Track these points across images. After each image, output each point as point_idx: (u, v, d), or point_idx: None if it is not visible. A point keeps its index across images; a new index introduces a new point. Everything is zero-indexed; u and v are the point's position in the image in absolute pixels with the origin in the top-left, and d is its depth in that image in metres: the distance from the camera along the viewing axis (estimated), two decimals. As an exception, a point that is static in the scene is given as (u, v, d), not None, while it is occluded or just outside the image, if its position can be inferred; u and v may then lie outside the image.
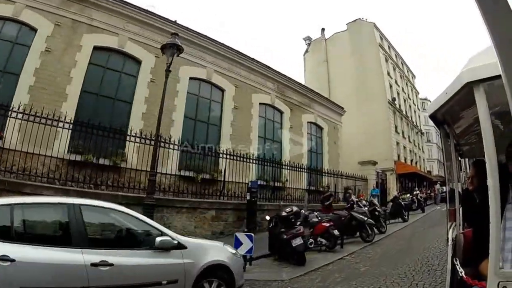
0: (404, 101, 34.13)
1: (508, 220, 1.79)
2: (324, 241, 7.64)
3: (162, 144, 9.38)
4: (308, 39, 38.83)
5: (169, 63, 7.84)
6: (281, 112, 17.16)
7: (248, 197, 10.75)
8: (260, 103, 15.95)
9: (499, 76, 1.24)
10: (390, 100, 28.25)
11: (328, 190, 13.08)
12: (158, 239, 3.59)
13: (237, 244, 6.30)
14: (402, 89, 34.25)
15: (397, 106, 30.26)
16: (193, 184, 10.77)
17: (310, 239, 7.04)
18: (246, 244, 6.26)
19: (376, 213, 10.41)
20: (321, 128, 19.64)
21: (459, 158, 3.93)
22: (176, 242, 3.74)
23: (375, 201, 12.96)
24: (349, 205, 9.70)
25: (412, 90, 39.81)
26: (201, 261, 3.88)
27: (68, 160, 8.58)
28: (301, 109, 18.28)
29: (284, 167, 14.77)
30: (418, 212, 17.49)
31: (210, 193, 10.86)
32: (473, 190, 2.70)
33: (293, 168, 14.82)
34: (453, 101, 2.10)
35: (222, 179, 11.60)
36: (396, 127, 28.91)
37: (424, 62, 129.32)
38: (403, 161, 28.94)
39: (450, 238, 2.76)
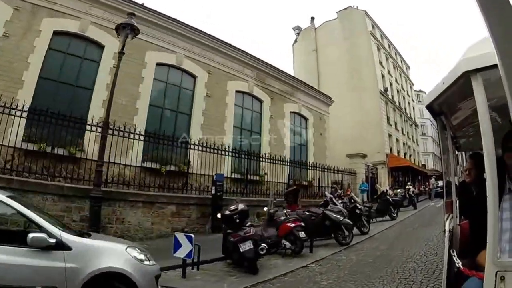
0: (397, 92, 33.18)
1: (504, 211, 1.83)
2: (288, 244, 6.48)
3: (121, 134, 8.94)
4: (297, 28, 37.73)
5: (122, 44, 7.40)
6: (261, 101, 16.05)
7: (213, 191, 9.73)
8: (236, 91, 14.85)
9: (496, 66, 1.32)
10: (382, 90, 27.26)
11: (294, 184, 11.77)
12: (30, 235, 3.06)
13: (177, 246, 5.27)
14: (396, 79, 33.31)
15: (390, 96, 29.28)
16: (159, 177, 10.08)
17: (263, 244, 5.61)
18: (186, 247, 5.21)
19: (357, 211, 9.25)
20: (305, 119, 18.53)
21: (456, 151, 3.90)
22: (53, 241, 3.12)
23: (357, 197, 12.07)
24: (323, 202, 8.47)
25: (406, 81, 38.91)
26: (90, 267, 3.25)
27: (24, 149, 8.01)
28: (283, 98, 17.17)
29: (262, 159, 13.74)
30: (409, 208, 16.45)
31: (179, 187, 10.17)
32: (470, 183, 2.77)
33: (272, 161, 13.78)
34: (451, 91, 2.10)
35: (190, 172, 10.92)
36: (388, 119, 27.96)
37: (415, 54, 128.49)
38: (395, 154, 28.00)
39: (447, 230, 2.77)
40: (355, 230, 8.71)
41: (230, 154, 12.32)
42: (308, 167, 16.39)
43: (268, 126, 15.72)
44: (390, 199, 13.02)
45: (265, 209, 7.40)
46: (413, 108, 40.03)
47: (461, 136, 3.68)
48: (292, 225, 6.46)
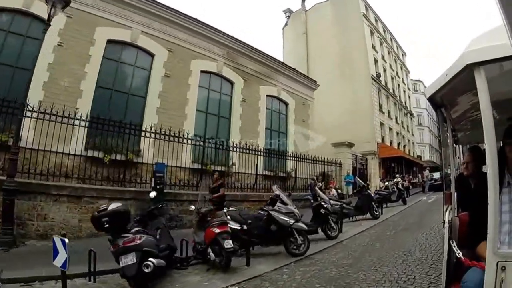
0: (392, 78, 31.68)
1: (504, 204, 1.88)
2: (212, 255, 4.91)
3: (59, 119, 8.09)
4: (288, 11, 36.11)
5: (48, 14, 6.60)
6: (231, 83, 14.54)
7: (152, 184, 8.39)
8: (202, 71, 13.33)
9: (500, 59, 1.62)
10: (374, 76, 25.76)
11: (219, 175, 9.46)
12: None
13: (55, 252, 3.89)
14: (390, 65, 31.80)
15: (383, 83, 27.80)
16: (103, 167, 9.07)
17: (150, 259, 3.92)
18: (62, 254, 3.83)
19: (323, 210, 7.34)
20: (285, 104, 16.99)
21: (454, 144, 3.91)
22: None
23: (324, 194, 10.72)
24: (269, 200, 6.57)
25: (401, 69, 37.41)
26: None
27: None
28: (259, 80, 15.64)
29: (231, 148, 12.43)
30: (398, 204, 14.66)
31: (128, 179, 9.19)
32: (468, 176, 2.93)
33: (243, 150, 12.40)
34: (453, 83, 2.14)
35: (142, 162, 9.92)
36: (380, 106, 26.51)
37: (415, 48, 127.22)
38: (388, 143, 26.60)
39: (446, 221, 2.80)
40: (320, 234, 7.19)
41: (190, 141, 10.95)
42: (287, 157, 14.95)
43: (239, 111, 14.28)
44: (372, 194, 11.25)
45: (192, 207, 5.96)
46: (409, 97, 38.60)
47: (460, 129, 3.72)
48: (217, 230, 4.88)
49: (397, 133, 30.34)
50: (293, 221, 5.64)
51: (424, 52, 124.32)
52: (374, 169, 22.16)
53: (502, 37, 1.47)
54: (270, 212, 5.70)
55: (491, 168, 1.73)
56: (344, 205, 9.36)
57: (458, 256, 2.20)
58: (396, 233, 7.87)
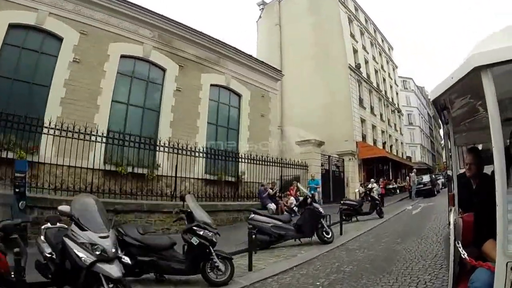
0: (376, 72, 29.82)
1: (510, 204, 1.87)
2: None
3: None
4: (262, 3, 34.16)
5: None
6: (162, 69, 12.36)
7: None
8: (123, 56, 11.33)
9: (509, 61, 1.67)
10: (353, 66, 23.69)
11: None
12: None
13: None
14: (374, 58, 29.93)
15: (364, 75, 25.76)
16: None
17: None
18: None
19: (195, 240, 4.65)
20: (238, 95, 14.83)
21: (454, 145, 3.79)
22: None
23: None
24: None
25: (388, 63, 35.64)
26: None
27: None
28: (202, 67, 13.46)
29: (157, 148, 10.19)
30: (373, 217, 11.70)
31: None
32: (470, 177, 3.01)
33: (173, 150, 10.56)
34: (459, 86, 2.16)
35: (41, 162, 8.44)
36: (361, 100, 24.38)
37: (401, 45, 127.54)
38: (371, 143, 24.43)
39: (451, 222, 2.89)
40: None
41: (101, 139, 9.28)
42: (236, 158, 12.67)
43: (171, 102, 12.09)
44: (317, 209, 7.74)
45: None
46: (397, 93, 36.82)
47: (458, 131, 3.77)
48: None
49: (383, 132, 28.35)
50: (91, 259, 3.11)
51: (411, 49, 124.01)
52: (352, 172, 19.87)
53: (507, 40, 1.84)
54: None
55: (499, 169, 1.80)
56: (280, 223, 6.92)
57: (464, 257, 2.27)
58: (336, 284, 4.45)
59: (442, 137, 44.65)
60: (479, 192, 2.41)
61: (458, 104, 2.80)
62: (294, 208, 12.20)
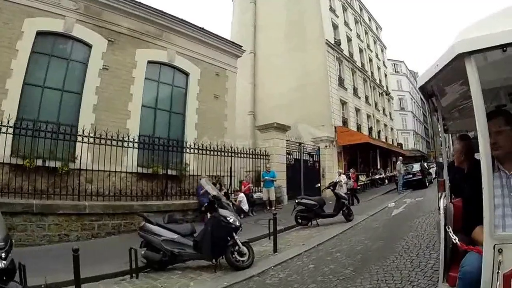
0: (361, 51, 28.28)
1: (495, 188, 2.03)
2: None
3: None
4: (237, -20, 32.07)
5: None
6: (88, 45, 10.60)
7: None
8: (39, 32, 9.64)
9: (490, 48, 1.81)
10: (332, 43, 21.92)
11: None
12: None
13: None
14: (358, 36, 28.30)
15: (346, 53, 24.03)
16: None
17: None
18: None
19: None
20: (185, 74, 13.06)
21: (444, 133, 4.14)
22: None
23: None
24: None
25: (375, 42, 34.04)
26: None
27: None
28: (138, 41, 11.70)
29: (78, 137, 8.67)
30: (339, 219, 9.59)
31: None
32: (460, 163, 3.29)
33: (97, 139, 9.13)
34: (444, 73, 2.26)
35: None
36: (341, 80, 22.68)
37: (393, 26, 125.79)
38: (353, 128, 22.76)
39: (441, 207, 3.02)
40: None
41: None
42: (180, 148, 11.33)
43: (95, 83, 10.24)
44: (227, 218, 5.43)
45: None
46: (385, 75, 35.30)
47: (449, 118, 4.01)
48: None
49: (368, 116, 26.82)
50: None
51: (402, 31, 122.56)
52: (330, 161, 18.18)
53: (491, 27, 1.90)
54: None
55: (484, 155, 1.90)
56: (176, 237, 5.54)
57: (455, 242, 2.38)
58: None
59: (429, 125, 43.77)
60: (469, 177, 2.51)
61: (446, 91, 2.95)
62: (244, 208, 10.57)
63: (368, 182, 21.15)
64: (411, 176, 18.70)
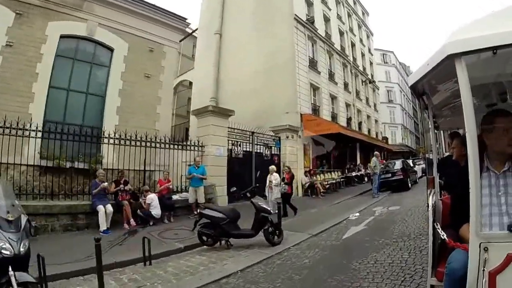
0: (342, 34, 26.91)
1: (483, 188, 2.20)
2: None
3: None
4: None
5: None
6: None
7: None
8: None
9: (480, 50, 1.93)
10: (303, 19, 20.11)
11: None
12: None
13: None
14: (339, 17, 27.07)
15: (322, 33, 22.24)
16: None
17: None
18: None
19: None
20: (109, 49, 11.63)
21: (435, 130, 4.42)
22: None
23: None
24: None
25: (360, 27, 32.55)
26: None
27: None
28: (51, 13, 10.27)
29: None
30: (260, 241, 7.11)
31: None
32: (459, 157, 3.70)
33: None
34: (434, 73, 2.39)
35: None
36: (314, 62, 21.02)
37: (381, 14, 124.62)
38: (328, 117, 21.01)
39: (430, 204, 3.23)
40: None
41: None
42: (95, 138, 9.93)
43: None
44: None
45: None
46: (371, 63, 34.14)
47: (440, 116, 4.23)
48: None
49: (348, 105, 25.18)
50: None
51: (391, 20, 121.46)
52: (293, 154, 16.45)
53: (483, 29, 2.01)
54: None
55: (471, 154, 2.02)
56: None
57: (443, 238, 2.54)
58: None
59: (419, 121, 42.61)
60: (463, 174, 2.35)
61: (437, 90, 3.10)
62: (153, 213, 9.02)
63: (341, 180, 19.35)
64: (389, 175, 16.70)
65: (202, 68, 24.66)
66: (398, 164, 17.52)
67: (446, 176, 3.78)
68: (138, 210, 8.91)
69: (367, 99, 30.66)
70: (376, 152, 17.25)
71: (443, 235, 2.50)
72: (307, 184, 15.89)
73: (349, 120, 25.15)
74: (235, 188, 9.46)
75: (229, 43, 22.83)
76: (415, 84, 2.75)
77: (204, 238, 7.00)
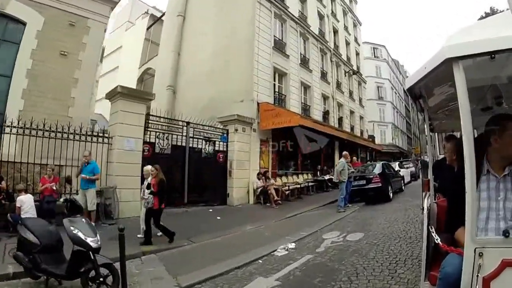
0: (322, 17, 25.21)
1: (482, 191, 2.25)
2: None
3: None
4: None
5: None
6: None
7: None
8: None
9: (478, 54, 2.01)
10: (269, -5, 17.51)
11: None
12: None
13: None
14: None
15: (294, 13, 19.76)
16: None
17: None
18: None
19: None
20: (22, 24, 10.23)
21: (430, 133, 4.50)
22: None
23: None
24: None
25: (346, 14, 30.61)
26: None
27: None
28: None
29: None
30: None
31: None
32: (452, 161, 3.73)
33: None
34: (431, 76, 2.48)
35: None
36: (281, 44, 19.31)
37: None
38: (297, 110, 18.24)
39: (425, 207, 3.30)
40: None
41: None
42: None
43: None
44: None
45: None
46: (357, 54, 32.62)
47: (435, 118, 4.36)
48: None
49: (326, 97, 22.54)
50: None
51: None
52: (244, 152, 13.82)
53: (481, 34, 2.18)
54: None
55: (468, 156, 2.06)
56: None
57: (437, 242, 2.59)
58: None
59: (412, 121, 40.66)
60: (457, 178, 2.42)
61: (433, 93, 3.21)
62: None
63: (311, 184, 16.36)
64: (363, 182, 13.38)
65: (164, 54, 23.57)
66: (377, 168, 14.52)
67: (440, 179, 3.98)
68: (8, 214, 7.07)
69: (350, 92, 29.14)
70: (344, 152, 13.39)
71: (437, 239, 2.60)
72: (259, 190, 13.04)
73: (326, 114, 23.61)
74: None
75: (191, 25, 21.46)
76: (413, 86, 2.86)
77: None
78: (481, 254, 1.94)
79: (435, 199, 3.49)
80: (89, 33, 11.56)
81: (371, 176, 13.44)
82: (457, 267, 2.08)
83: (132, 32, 32.65)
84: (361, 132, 30.33)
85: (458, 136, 3.77)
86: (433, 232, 2.64)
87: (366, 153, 30.45)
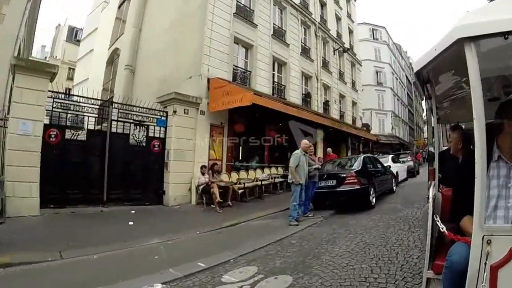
0: None
1: (492, 179, 2.25)
2: None
3: None
4: None
5: None
6: None
7: None
8: None
9: (491, 35, 1.92)
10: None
11: None
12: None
13: None
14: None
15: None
16: None
17: None
18: None
19: None
20: None
21: (436, 123, 4.50)
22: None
23: None
24: None
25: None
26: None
27: None
28: None
29: None
30: None
31: None
32: (457, 151, 3.96)
33: None
34: (441, 58, 2.39)
35: None
36: (247, 11, 16.45)
37: None
38: (264, 88, 15.80)
39: (430, 196, 3.31)
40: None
41: None
42: None
43: None
44: None
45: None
46: (350, 32, 29.76)
47: (441, 108, 4.26)
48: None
49: (307, 77, 20.20)
50: None
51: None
52: (187, 139, 11.73)
53: (494, 14, 2.04)
54: None
55: (479, 142, 2.04)
56: None
57: (442, 231, 2.66)
58: None
59: (424, 110, 38.78)
60: (464, 166, 2.63)
61: (442, 79, 3.12)
62: None
63: (276, 181, 14.14)
64: (333, 182, 10.48)
65: (128, 32, 21.35)
66: (356, 163, 11.52)
67: (443, 170, 3.90)
68: None
69: (341, 73, 26.39)
70: (304, 140, 9.88)
71: (442, 228, 2.64)
72: (200, 187, 10.74)
73: (306, 96, 20.88)
74: None
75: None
76: (421, 70, 2.79)
77: None
78: (489, 241, 2.00)
79: (438, 190, 3.54)
80: (9, 3, 9.75)
81: (344, 175, 10.48)
82: (464, 255, 2.14)
83: (106, 13, 31.21)
84: (354, 120, 27.67)
85: (464, 127, 4.29)
86: (438, 221, 2.72)
87: (359, 144, 27.64)
